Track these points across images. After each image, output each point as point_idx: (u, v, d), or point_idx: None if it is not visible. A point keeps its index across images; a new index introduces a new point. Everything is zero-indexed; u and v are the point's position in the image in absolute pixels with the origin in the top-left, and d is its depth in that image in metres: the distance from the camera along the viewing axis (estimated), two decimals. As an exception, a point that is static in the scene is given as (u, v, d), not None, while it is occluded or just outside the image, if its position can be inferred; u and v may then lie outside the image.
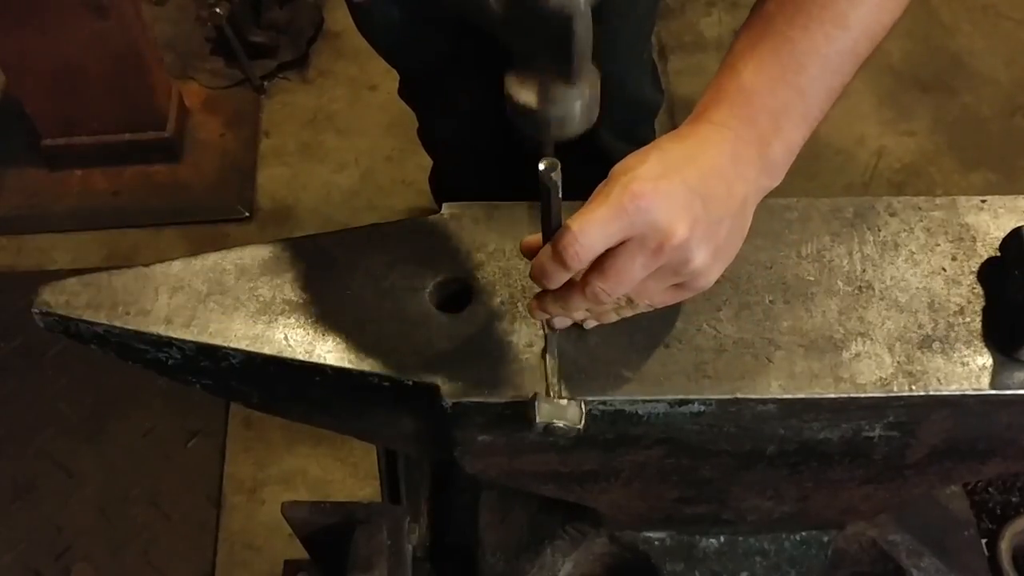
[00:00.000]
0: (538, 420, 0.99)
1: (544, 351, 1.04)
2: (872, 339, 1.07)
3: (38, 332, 1.15)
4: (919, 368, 1.05)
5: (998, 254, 1.11)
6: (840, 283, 1.11)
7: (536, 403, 0.99)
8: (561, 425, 0.99)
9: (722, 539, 1.41)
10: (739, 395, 1.04)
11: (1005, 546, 1.69)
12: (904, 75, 3.59)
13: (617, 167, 0.94)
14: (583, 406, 1.00)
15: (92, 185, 3.47)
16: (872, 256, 1.13)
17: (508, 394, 1.04)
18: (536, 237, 0.99)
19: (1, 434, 2.95)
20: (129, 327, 1.09)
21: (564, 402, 1.00)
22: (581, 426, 1.00)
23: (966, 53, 3.64)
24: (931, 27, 3.66)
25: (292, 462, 2.90)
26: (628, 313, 1.06)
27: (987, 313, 1.08)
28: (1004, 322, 1.07)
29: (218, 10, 3.37)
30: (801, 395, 1.05)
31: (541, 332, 1.06)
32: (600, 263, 0.93)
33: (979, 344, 1.07)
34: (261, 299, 1.11)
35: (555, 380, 1.02)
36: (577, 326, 1.07)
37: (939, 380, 1.04)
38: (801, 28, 1.00)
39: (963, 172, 3.40)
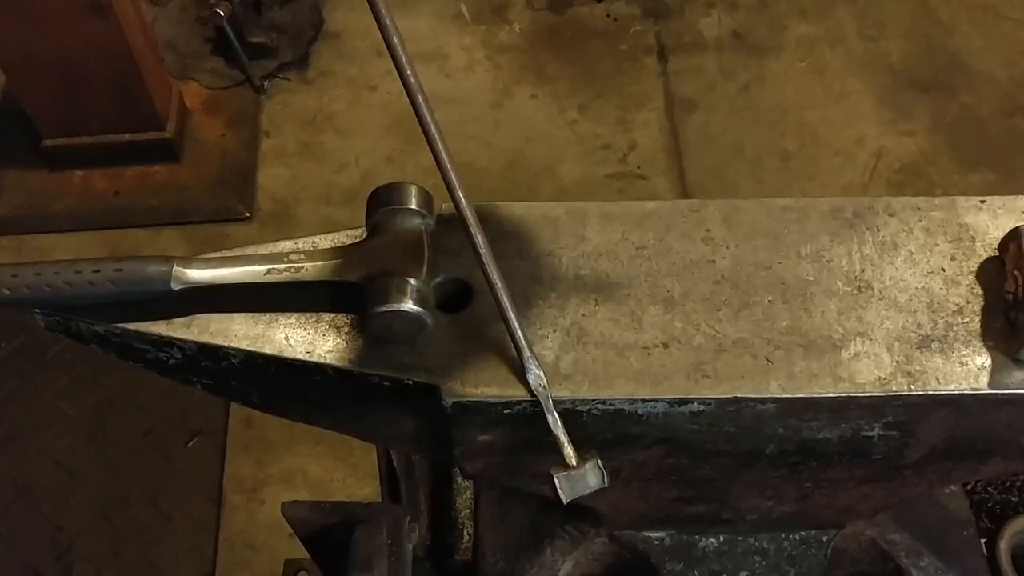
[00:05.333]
0: (565, 501, 1.04)
1: (548, 423, 1.04)
2: (871, 339, 1.07)
3: (39, 332, 1.15)
4: (918, 368, 1.05)
5: (997, 254, 1.11)
6: (839, 283, 1.11)
7: (556, 483, 1.03)
8: (588, 495, 1.04)
9: (721, 538, 1.41)
10: (738, 395, 1.05)
11: (1004, 545, 1.69)
12: (903, 75, 3.60)
13: None
14: (599, 463, 1.03)
15: (92, 185, 3.48)
16: (871, 256, 1.13)
17: (508, 394, 1.04)
18: None
19: (2, 434, 2.95)
20: (130, 327, 1.10)
21: (582, 468, 1.03)
22: (606, 484, 1.04)
23: (965, 53, 3.65)
24: (930, 27, 3.66)
25: (292, 462, 2.90)
26: None
27: (986, 313, 1.09)
28: (1003, 322, 1.07)
29: (218, 11, 3.38)
30: (800, 395, 1.05)
31: (541, 387, 1.04)
32: None
33: (978, 344, 1.07)
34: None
35: (567, 445, 1.03)
36: (577, 327, 1.08)
37: (938, 380, 1.05)
38: None
39: (962, 172, 3.40)
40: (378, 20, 0.90)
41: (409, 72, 0.93)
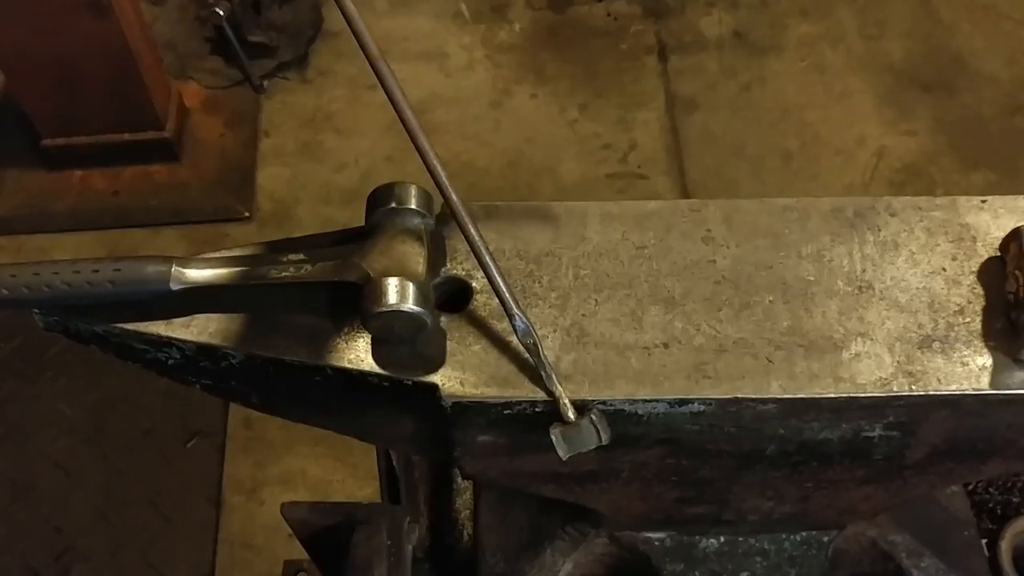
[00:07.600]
0: (564, 457, 1.02)
1: (543, 376, 1.03)
2: (872, 339, 1.07)
3: (38, 332, 1.15)
4: (919, 368, 1.05)
5: (998, 254, 1.11)
6: (840, 283, 1.11)
7: (553, 438, 1.02)
8: (587, 451, 1.03)
9: (722, 539, 1.41)
10: (739, 395, 1.04)
11: (1006, 546, 1.69)
12: (904, 75, 3.60)
13: None
14: (595, 419, 1.02)
15: (91, 185, 3.47)
16: (872, 256, 1.13)
17: (508, 394, 1.04)
18: None
19: (0, 434, 2.95)
20: (129, 328, 1.09)
21: (579, 424, 1.02)
22: (605, 441, 1.02)
23: (967, 53, 3.65)
24: (932, 27, 3.66)
25: (292, 462, 2.90)
26: None
27: (987, 313, 1.08)
28: (1004, 322, 1.07)
29: (218, 10, 3.38)
30: (801, 395, 1.05)
31: (533, 343, 1.04)
32: None
33: (979, 344, 1.06)
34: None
35: (563, 399, 1.02)
36: (576, 326, 1.07)
37: (939, 380, 1.04)
38: None
39: (963, 172, 3.40)
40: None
41: (386, 71, 0.94)
